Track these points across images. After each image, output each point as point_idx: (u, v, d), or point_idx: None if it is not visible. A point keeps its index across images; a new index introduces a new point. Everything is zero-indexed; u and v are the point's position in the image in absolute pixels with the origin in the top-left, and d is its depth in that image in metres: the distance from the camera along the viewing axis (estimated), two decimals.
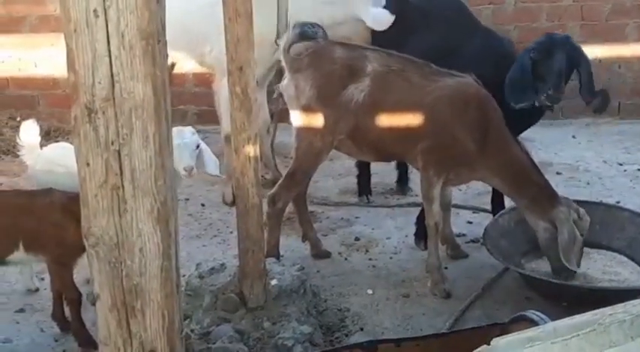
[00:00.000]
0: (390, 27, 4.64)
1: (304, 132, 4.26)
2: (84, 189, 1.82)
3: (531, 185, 4.12)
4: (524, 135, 5.56)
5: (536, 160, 5.63)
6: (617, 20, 6.33)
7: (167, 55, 1.80)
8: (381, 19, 4.62)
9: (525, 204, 4.18)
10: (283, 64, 4.26)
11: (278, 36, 4.61)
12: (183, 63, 6.23)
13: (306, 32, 4.22)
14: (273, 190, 4.35)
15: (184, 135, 3.73)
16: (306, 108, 4.22)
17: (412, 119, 4.14)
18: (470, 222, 5.03)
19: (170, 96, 1.83)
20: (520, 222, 4.54)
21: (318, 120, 4.20)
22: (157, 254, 1.88)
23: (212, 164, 3.92)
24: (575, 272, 4.10)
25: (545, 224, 4.12)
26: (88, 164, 1.80)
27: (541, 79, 4.20)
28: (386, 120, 4.17)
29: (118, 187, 1.80)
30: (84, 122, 1.77)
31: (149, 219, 1.82)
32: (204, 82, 6.20)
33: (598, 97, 4.32)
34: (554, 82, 4.14)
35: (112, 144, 1.77)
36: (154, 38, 1.71)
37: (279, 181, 4.41)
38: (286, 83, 4.30)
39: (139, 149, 1.77)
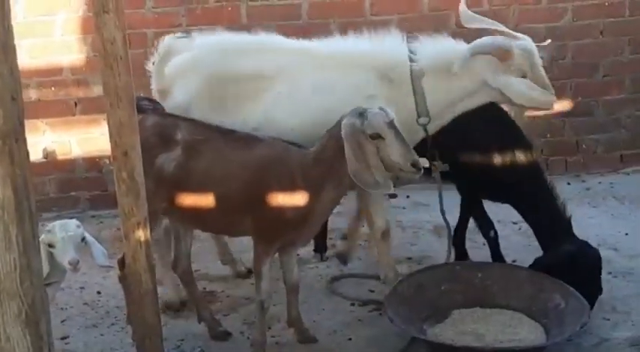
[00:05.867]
0: None
1: None
2: None
3: None
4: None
5: (430, 225, 5.82)
6: None
7: (28, 153, 1.75)
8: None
9: None
10: None
11: (419, 116, 4.49)
12: (71, 147, 6.18)
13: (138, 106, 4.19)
14: None
15: (69, 228, 3.63)
16: None
17: (226, 192, 4.11)
18: (372, 291, 5.02)
19: (33, 193, 1.77)
20: (419, 287, 4.58)
21: None
22: None
23: (100, 255, 3.81)
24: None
25: None
26: None
27: None
28: (199, 191, 4.15)
29: None
30: None
31: (17, 323, 1.75)
32: (94, 166, 6.11)
33: None
34: None
35: None
36: (11, 137, 1.66)
37: None
38: None
39: (2, 251, 1.70)
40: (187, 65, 4.65)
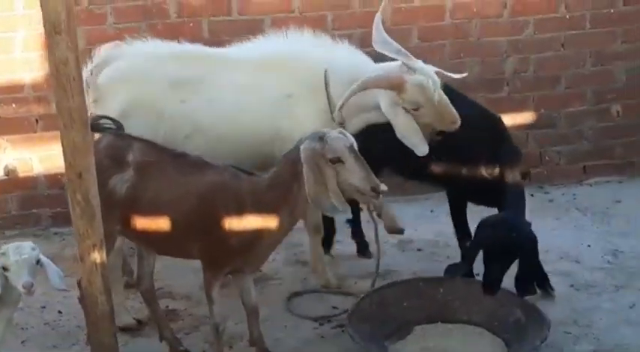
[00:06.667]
0: None
1: None
2: None
3: None
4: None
5: (395, 239, 5.82)
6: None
7: None
8: None
9: None
10: None
11: (332, 112, 4.59)
12: (33, 165, 6.14)
13: (95, 126, 4.18)
14: None
15: (23, 251, 3.59)
16: None
17: (174, 216, 4.10)
18: (335, 307, 5.00)
19: None
20: (382, 304, 4.58)
21: None
22: None
23: (56, 278, 3.77)
24: None
25: None
26: None
27: None
28: (150, 215, 4.15)
29: None
30: None
31: None
32: (56, 183, 6.06)
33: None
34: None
35: None
36: None
37: None
38: None
39: None
40: (121, 73, 4.75)
